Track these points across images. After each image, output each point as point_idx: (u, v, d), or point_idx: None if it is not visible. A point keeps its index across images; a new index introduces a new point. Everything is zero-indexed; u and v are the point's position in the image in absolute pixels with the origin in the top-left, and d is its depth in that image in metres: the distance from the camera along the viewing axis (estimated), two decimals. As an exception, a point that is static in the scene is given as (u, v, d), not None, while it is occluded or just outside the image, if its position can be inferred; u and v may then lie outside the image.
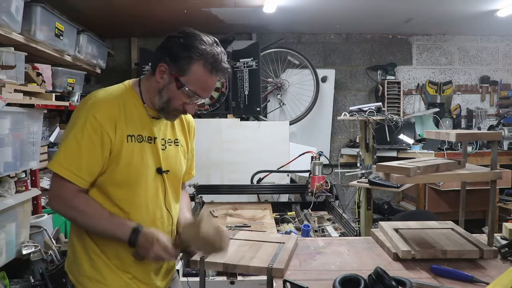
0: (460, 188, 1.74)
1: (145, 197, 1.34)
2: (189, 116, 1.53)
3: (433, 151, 4.12)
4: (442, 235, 1.55)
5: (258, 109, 3.91)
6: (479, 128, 4.78)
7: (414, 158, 1.71)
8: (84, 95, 3.23)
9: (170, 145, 1.42)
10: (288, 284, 1.20)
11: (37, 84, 2.60)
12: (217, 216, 2.59)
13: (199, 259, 1.36)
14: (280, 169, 3.43)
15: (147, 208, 1.34)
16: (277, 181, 3.43)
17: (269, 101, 4.58)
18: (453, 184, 3.85)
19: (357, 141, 3.35)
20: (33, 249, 2.36)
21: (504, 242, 1.49)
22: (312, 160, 2.88)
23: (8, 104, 2.12)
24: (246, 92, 3.93)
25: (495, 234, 1.53)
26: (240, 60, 3.94)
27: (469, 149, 4.13)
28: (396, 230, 1.60)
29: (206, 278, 1.85)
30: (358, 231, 2.21)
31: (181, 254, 1.37)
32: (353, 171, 3.43)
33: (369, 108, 3.09)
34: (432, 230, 1.62)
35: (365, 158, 3.15)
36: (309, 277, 1.29)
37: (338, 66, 4.81)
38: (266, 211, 2.71)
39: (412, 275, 1.28)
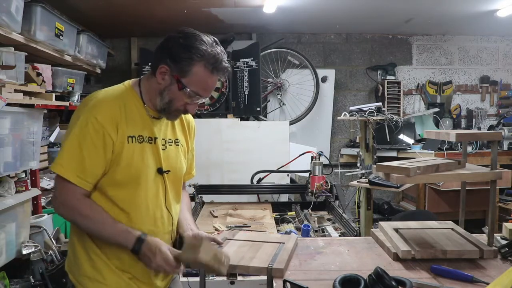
0: (460, 188, 1.74)
1: (145, 197, 1.34)
2: (189, 116, 1.53)
3: (433, 151, 4.12)
4: (442, 235, 1.55)
5: (258, 109, 3.91)
6: (479, 128, 4.78)
7: (414, 158, 1.71)
8: (84, 95, 3.23)
9: (171, 145, 1.42)
10: (288, 284, 1.20)
11: (37, 84, 2.60)
12: (217, 216, 2.59)
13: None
14: (280, 169, 3.43)
15: (147, 208, 1.34)
16: (277, 181, 3.43)
17: (269, 101, 4.58)
18: (453, 184, 3.85)
19: (357, 141, 3.35)
20: (33, 249, 2.36)
21: (504, 242, 1.49)
22: (312, 160, 2.88)
23: (8, 104, 2.12)
24: (246, 92, 3.93)
25: (495, 234, 1.53)
26: (240, 60, 3.94)
27: (469, 149, 4.13)
28: (396, 230, 1.60)
29: (206, 278, 1.85)
30: (358, 231, 2.21)
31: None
32: (353, 171, 3.43)
33: (369, 108, 3.09)
34: (432, 230, 1.62)
35: (365, 158, 3.15)
36: (309, 277, 1.29)
37: (338, 66, 4.81)
38: (266, 211, 2.71)
39: (412, 275, 1.28)
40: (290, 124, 3.96)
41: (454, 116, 4.79)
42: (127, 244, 1.26)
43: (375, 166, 1.57)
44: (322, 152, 2.99)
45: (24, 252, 2.33)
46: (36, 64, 2.65)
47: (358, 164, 3.19)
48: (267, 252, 1.42)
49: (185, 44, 1.26)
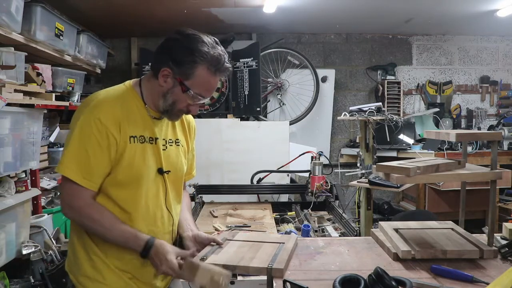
0: (460, 188, 1.74)
1: (145, 197, 1.34)
2: (189, 116, 1.53)
3: (433, 151, 4.12)
4: (442, 235, 1.55)
5: (258, 109, 3.91)
6: (479, 128, 4.78)
7: (414, 158, 1.70)
8: (84, 95, 3.23)
9: (171, 145, 1.42)
10: (288, 284, 1.20)
11: (37, 84, 2.60)
12: (217, 216, 2.59)
13: (199, 259, 1.35)
14: (280, 169, 3.43)
15: (147, 208, 1.35)
16: (277, 181, 3.43)
17: (269, 101, 4.58)
18: (453, 184, 3.85)
19: (357, 141, 3.35)
20: (33, 249, 2.36)
21: (504, 242, 1.49)
22: (312, 160, 2.88)
23: (8, 104, 2.12)
24: (246, 92, 3.93)
25: (495, 234, 1.53)
26: (240, 60, 3.94)
27: (469, 149, 4.13)
28: (396, 230, 1.60)
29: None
30: (358, 231, 2.20)
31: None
32: (353, 171, 3.43)
33: (369, 108, 3.09)
34: (432, 230, 1.62)
35: (365, 158, 3.15)
36: (309, 277, 1.29)
37: (338, 66, 4.81)
38: (266, 211, 2.71)
39: (412, 275, 1.27)
40: (290, 124, 3.96)
41: (454, 116, 4.79)
42: (136, 248, 1.28)
43: (375, 166, 1.57)
44: (322, 152, 2.98)
45: (24, 252, 2.34)
46: (36, 64, 2.65)
47: (358, 164, 3.19)
48: (267, 252, 1.42)
49: (187, 46, 1.26)
